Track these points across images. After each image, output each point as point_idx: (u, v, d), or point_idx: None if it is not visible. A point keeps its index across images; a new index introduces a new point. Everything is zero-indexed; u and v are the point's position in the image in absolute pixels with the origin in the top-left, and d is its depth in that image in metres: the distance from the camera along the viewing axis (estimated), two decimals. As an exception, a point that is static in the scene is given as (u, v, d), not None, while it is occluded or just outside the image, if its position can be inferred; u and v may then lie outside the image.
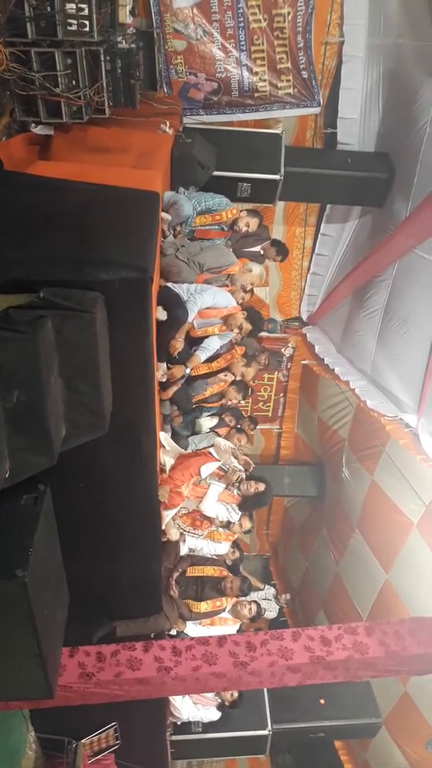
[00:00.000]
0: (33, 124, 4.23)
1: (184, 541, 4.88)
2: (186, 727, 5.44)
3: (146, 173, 4.02)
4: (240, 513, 4.97)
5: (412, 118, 5.09)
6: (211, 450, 4.90)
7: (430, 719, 5.72)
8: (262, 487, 5.06)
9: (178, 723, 5.40)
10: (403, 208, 5.44)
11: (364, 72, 5.56)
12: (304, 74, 5.68)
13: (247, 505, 5.05)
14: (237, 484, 4.87)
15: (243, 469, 5.11)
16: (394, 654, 3.60)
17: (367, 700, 5.91)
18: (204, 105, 5.81)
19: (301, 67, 5.65)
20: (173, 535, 4.62)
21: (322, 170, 5.77)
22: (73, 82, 3.95)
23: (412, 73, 5.03)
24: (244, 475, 4.96)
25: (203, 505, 4.71)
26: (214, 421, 5.41)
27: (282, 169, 5.56)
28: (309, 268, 7.09)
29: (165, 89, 5.58)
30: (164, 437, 4.47)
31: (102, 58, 3.96)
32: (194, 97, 5.74)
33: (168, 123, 4.90)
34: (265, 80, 5.71)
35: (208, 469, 4.57)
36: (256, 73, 5.67)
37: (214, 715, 5.32)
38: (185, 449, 4.85)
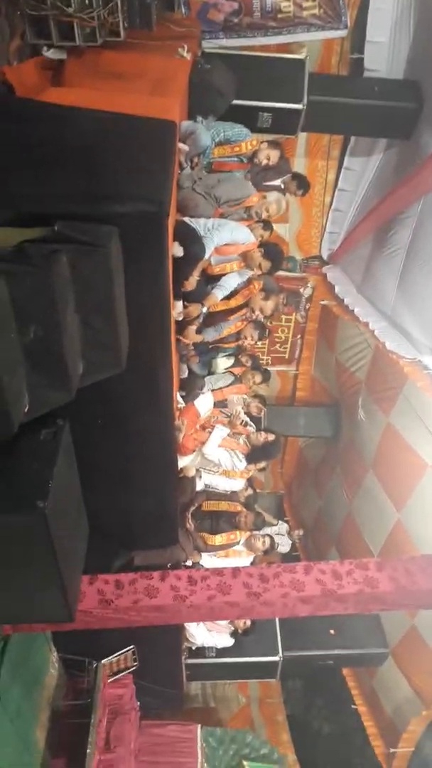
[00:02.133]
0: (45, 48, 4.05)
1: (200, 477, 4.97)
2: (200, 651, 5.72)
3: (163, 101, 3.85)
4: (246, 462, 5.06)
5: (445, 42, 4.78)
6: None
7: (436, 651, 5.94)
8: (271, 437, 5.10)
9: (193, 648, 5.66)
10: (431, 140, 5.19)
11: (397, -10, 5.19)
12: (331, -8, 5.32)
13: (255, 455, 5.12)
14: (243, 425, 4.94)
15: (249, 419, 5.19)
16: (403, 589, 3.68)
17: (376, 631, 6.14)
18: (224, 27, 5.50)
19: (328, -17, 5.29)
20: (190, 470, 4.70)
21: (348, 99, 5.48)
22: (87, 2, 3.75)
23: (448, -9, 4.69)
24: (247, 418, 5.01)
25: (206, 448, 4.79)
26: (231, 361, 5.39)
27: (305, 98, 5.29)
28: (331, 204, 6.85)
29: (183, 10, 5.26)
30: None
31: (116, -26, 3.74)
32: (213, 19, 5.42)
33: (186, 47, 4.65)
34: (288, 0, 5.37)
35: (202, 404, 4.58)
36: (280, -8, 5.32)
37: (228, 641, 5.57)
38: (202, 388, 4.86)
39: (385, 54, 5.50)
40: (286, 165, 5.16)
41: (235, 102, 5.05)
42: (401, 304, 5.97)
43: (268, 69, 5.38)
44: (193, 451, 4.80)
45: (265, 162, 4.72)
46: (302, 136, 6.10)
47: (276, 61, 5.48)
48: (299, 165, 6.43)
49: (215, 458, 4.94)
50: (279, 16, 5.44)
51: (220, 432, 4.93)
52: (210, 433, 4.91)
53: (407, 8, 5.19)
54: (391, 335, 6.05)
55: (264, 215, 4.51)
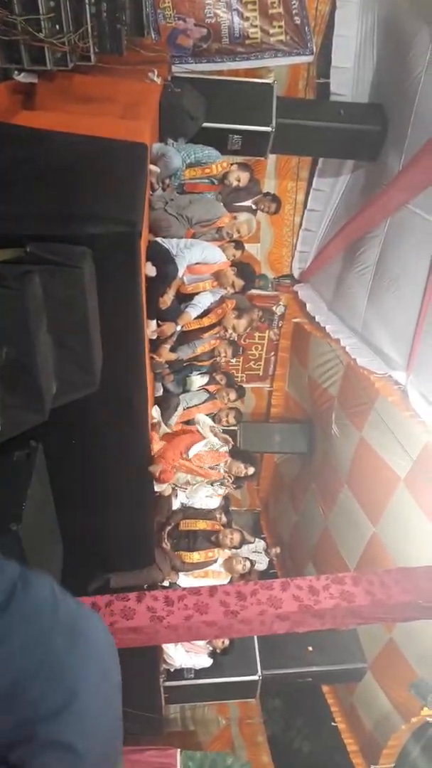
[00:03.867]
0: (16, 72, 4.08)
1: (176, 495, 4.96)
2: (179, 673, 5.65)
3: (134, 124, 3.91)
4: (224, 487, 5.11)
5: (406, 67, 4.95)
6: (199, 427, 4.95)
7: (414, 664, 5.96)
8: (251, 471, 5.14)
9: (171, 670, 5.59)
10: (396, 161, 5.35)
11: (359, 18, 5.37)
12: (297, 20, 5.49)
13: (234, 482, 5.17)
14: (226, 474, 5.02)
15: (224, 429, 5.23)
16: (379, 602, 3.70)
17: (354, 646, 6.14)
18: (193, 53, 5.61)
19: (294, 12, 5.45)
20: (166, 489, 4.69)
21: (315, 122, 5.63)
22: (57, 27, 3.79)
23: (407, 20, 4.87)
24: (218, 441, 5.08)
25: (194, 500, 4.89)
26: (205, 379, 5.42)
27: (274, 121, 5.42)
28: (301, 224, 6.99)
29: (153, 35, 5.36)
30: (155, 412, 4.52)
31: (86, 1, 3.79)
32: (183, 44, 5.53)
33: (156, 71, 4.74)
34: (256, 26, 5.51)
35: (195, 449, 4.60)
36: (247, 18, 5.47)
37: (206, 661, 5.52)
38: (177, 407, 4.87)
39: (350, 78, 5.67)
40: (257, 186, 5.26)
41: (206, 125, 5.14)
42: (371, 320, 6.09)
43: (237, 93, 5.50)
44: (171, 480, 4.81)
45: (235, 183, 4.81)
46: (272, 158, 6.22)
47: (245, 85, 5.61)
48: (269, 186, 6.55)
49: (199, 506, 5.01)
50: (247, 42, 5.57)
51: (204, 491, 5.01)
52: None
53: (370, 35, 5.37)
54: (361, 351, 6.15)
55: (235, 236, 4.58)
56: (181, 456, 4.42)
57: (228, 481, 5.14)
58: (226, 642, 5.32)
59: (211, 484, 5.10)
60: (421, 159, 4.96)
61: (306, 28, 5.53)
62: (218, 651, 5.38)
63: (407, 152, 5.16)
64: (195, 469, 4.79)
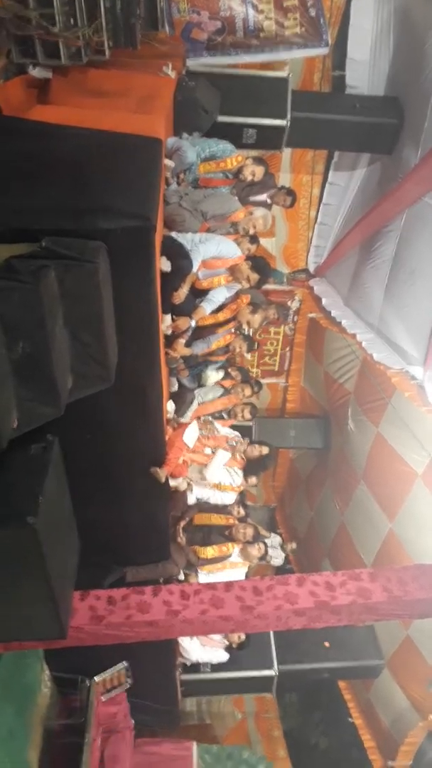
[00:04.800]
0: (31, 66, 4.10)
1: (192, 490, 4.97)
2: (195, 667, 5.67)
3: (148, 118, 3.91)
4: (242, 476, 5.09)
5: (423, 59, 4.89)
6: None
7: (431, 661, 5.92)
8: (266, 450, 5.14)
9: (188, 664, 5.61)
10: (412, 154, 5.28)
11: (375, 8, 5.31)
12: (312, 12, 5.42)
13: (251, 468, 5.15)
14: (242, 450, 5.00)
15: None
16: (396, 599, 3.68)
17: (370, 642, 6.12)
18: (207, 46, 5.56)
19: (309, 3, 5.38)
20: (181, 485, 4.70)
21: (330, 115, 5.58)
22: (71, 21, 3.80)
23: (423, 11, 4.80)
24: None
25: (208, 472, 4.82)
26: (221, 374, 5.42)
27: (289, 114, 5.39)
28: (316, 218, 6.94)
29: (167, 29, 5.34)
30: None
31: (100, -5, 3.80)
32: (197, 38, 5.50)
33: (170, 65, 4.74)
34: (271, 18, 5.46)
35: (189, 435, 4.58)
36: (262, 11, 5.41)
37: (222, 656, 5.52)
38: (192, 402, 4.87)
39: (365, 71, 5.61)
40: (272, 180, 5.23)
41: (220, 119, 5.12)
42: (387, 315, 6.03)
43: (252, 86, 5.47)
44: (186, 473, 4.81)
45: (250, 178, 4.79)
46: (287, 152, 6.18)
47: (259, 78, 5.57)
48: (284, 180, 6.51)
49: (216, 480, 4.98)
50: (261, 35, 5.52)
51: (222, 457, 4.97)
52: (212, 453, 4.94)
53: (386, 27, 5.31)
54: (378, 346, 6.10)
55: (251, 231, 4.56)
56: (181, 451, 4.40)
57: (239, 445, 5.12)
58: (242, 636, 5.32)
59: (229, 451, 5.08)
60: (438, 151, 4.90)
61: (321, 19, 5.46)
62: (234, 645, 5.39)
63: (424, 145, 5.09)
64: (203, 460, 4.80)
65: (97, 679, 4.92)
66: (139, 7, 4.21)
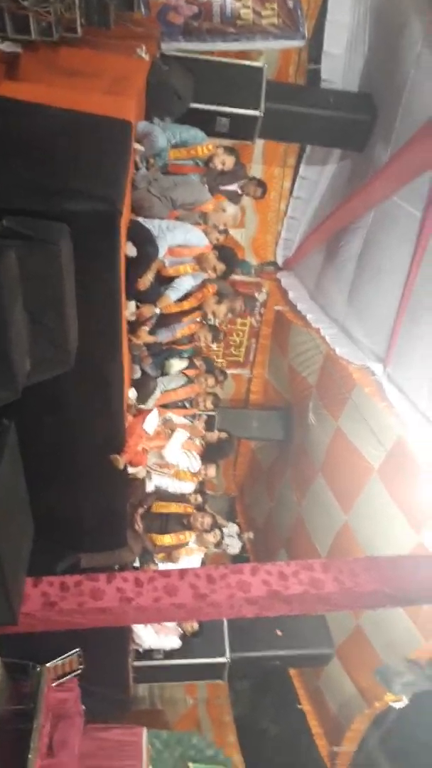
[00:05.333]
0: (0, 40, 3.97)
1: (150, 478, 4.97)
2: (148, 653, 5.70)
3: (119, 100, 3.83)
4: (200, 462, 5.11)
5: (397, 59, 4.92)
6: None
7: (380, 650, 6.09)
8: (224, 435, 5.16)
9: (141, 650, 5.63)
10: (383, 152, 5.33)
11: (352, 5, 5.30)
12: (290, 3, 5.40)
13: (209, 455, 5.17)
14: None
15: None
16: (347, 590, 3.76)
17: (321, 631, 6.24)
18: (183, 31, 5.49)
19: (287, -6, 5.37)
20: (140, 472, 4.69)
21: (304, 108, 5.57)
22: (43, -5, 3.70)
23: (399, 11, 4.82)
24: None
25: (166, 450, 4.80)
26: (184, 363, 5.41)
27: (262, 105, 5.35)
28: (286, 211, 6.95)
29: (143, 10, 5.23)
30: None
31: (74, -30, 3.70)
32: (173, 21, 5.42)
33: (144, 47, 4.64)
34: (248, 7, 5.41)
35: (150, 422, 4.57)
36: (240, -1, 5.37)
37: (176, 642, 5.57)
38: (154, 390, 4.85)
39: (341, 66, 5.62)
40: (242, 170, 5.21)
41: (194, 105, 5.07)
42: (351, 311, 6.11)
43: (226, 74, 5.42)
44: (145, 462, 4.78)
45: (220, 167, 4.77)
46: (259, 143, 6.16)
47: (235, 67, 5.52)
48: (256, 171, 6.49)
49: (174, 461, 4.96)
50: (238, 22, 5.48)
51: (181, 436, 4.96)
52: (169, 435, 4.93)
53: (362, 24, 5.32)
54: (341, 341, 6.17)
55: (221, 227, 4.55)
56: (141, 438, 4.38)
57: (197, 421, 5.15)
58: (195, 626, 5.37)
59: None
60: (408, 151, 4.95)
61: (299, 11, 5.45)
62: (188, 634, 5.43)
63: (395, 144, 5.14)
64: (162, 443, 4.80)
65: (48, 665, 4.90)
66: (113, -15, 4.12)
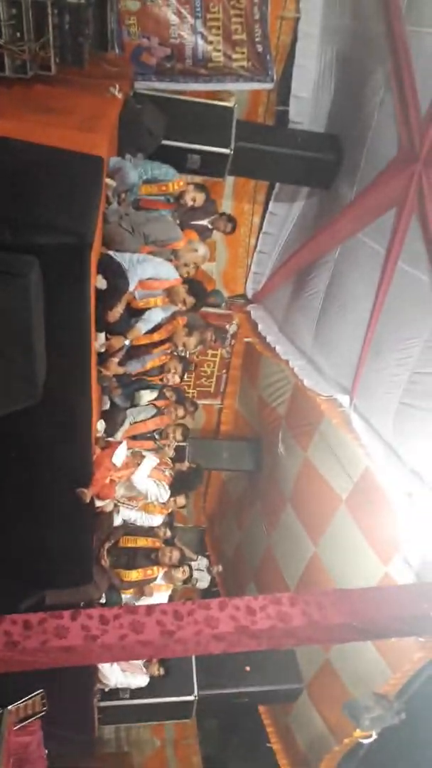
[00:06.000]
0: (-27, 75, 4.02)
1: (118, 512, 4.90)
2: (114, 693, 5.54)
3: (91, 136, 3.90)
4: (169, 493, 5.07)
5: (361, 103, 5.13)
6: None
7: (349, 685, 6.03)
8: (194, 465, 5.14)
9: (106, 689, 5.48)
10: (348, 191, 5.51)
11: (319, 51, 5.54)
12: (259, 48, 5.61)
13: (178, 486, 5.14)
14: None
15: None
16: (315, 623, 3.73)
17: (291, 666, 6.17)
18: (156, 71, 5.65)
19: (257, 40, 5.58)
20: (107, 505, 4.62)
21: (273, 148, 5.74)
22: (18, 34, 3.77)
23: (363, 57, 5.06)
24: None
25: (135, 476, 4.74)
26: (154, 393, 5.40)
27: (233, 143, 5.51)
28: (256, 246, 7.09)
29: (116, 50, 5.39)
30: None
31: (49, 11, 3.79)
32: (146, 62, 5.57)
33: (118, 86, 4.75)
34: (219, 50, 5.61)
35: (118, 455, 4.54)
36: (211, 42, 5.56)
37: (142, 681, 5.43)
38: (123, 421, 4.83)
39: (308, 108, 5.83)
40: (213, 206, 5.33)
41: (166, 143, 5.18)
42: (319, 344, 6.22)
43: (198, 113, 5.58)
44: (114, 494, 4.72)
45: (191, 203, 4.87)
46: (229, 180, 6.31)
47: (206, 106, 5.69)
48: (226, 206, 6.63)
49: (143, 488, 4.89)
50: (210, 65, 5.66)
51: (150, 462, 4.91)
52: (138, 464, 4.88)
53: (329, 69, 5.55)
54: (309, 373, 6.26)
55: (192, 268, 4.61)
56: (109, 471, 4.33)
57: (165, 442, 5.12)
58: (162, 671, 5.28)
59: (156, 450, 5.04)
60: (372, 191, 5.14)
61: (267, 56, 5.66)
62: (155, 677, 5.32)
63: (359, 183, 5.33)
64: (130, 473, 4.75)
65: (10, 707, 4.72)
66: (88, 26, 4.23)
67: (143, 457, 4.91)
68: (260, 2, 5.39)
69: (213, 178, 5.87)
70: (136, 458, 4.82)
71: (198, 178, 5.52)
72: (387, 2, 4.51)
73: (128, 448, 4.77)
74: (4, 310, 2.59)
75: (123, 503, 4.88)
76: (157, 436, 5.42)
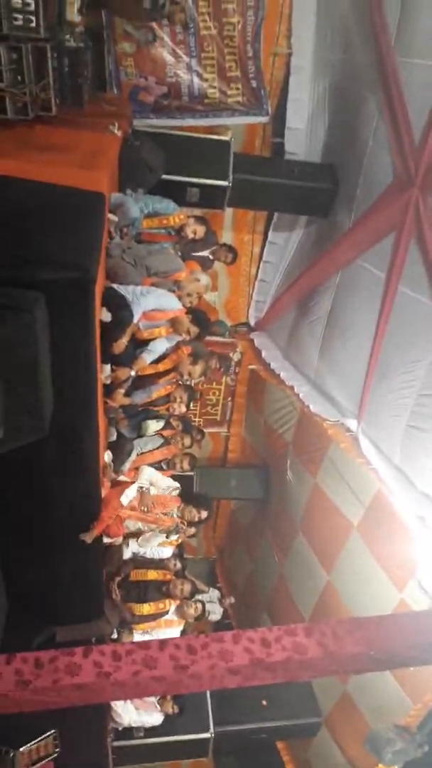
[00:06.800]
0: (-24, 119, 4.13)
1: (127, 545, 4.85)
2: (128, 732, 5.41)
3: (93, 174, 3.98)
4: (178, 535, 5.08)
5: (355, 132, 5.24)
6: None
7: (369, 717, 5.87)
8: (204, 514, 5.11)
9: (120, 729, 5.35)
10: (346, 219, 5.59)
11: (312, 84, 5.69)
12: (253, 83, 5.78)
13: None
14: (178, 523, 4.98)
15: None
16: (332, 654, 3.65)
17: (308, 699, 6.03)
18: (154, 108, 5.81)
19: (251, 76, 5.74)
20: (116, 539, 4.59)
21: (270, 179, 5.86)
22: (19, 78, 3.88)
23: (355, 88, 5.19)
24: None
25: (146, 551, 4.84)
26: (161, 423, 5.40)
27: (231, 176, 5.62)
28: (257, 275, 7.17)
29: (114, 90, 5.55)
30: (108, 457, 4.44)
31: (49, 55, 3.90)
32: (144, 100, 5.73)
33: (117, 124, 4.87)
34: (215, 87, 5.78)
35: (127, 495, 4.53)
36: (206, 80, 5.72)
37: (157, 719, 5.30)
38: (131, 452, 4.82)
39: (303, 139, 5.96)
40: (213, 237, 5.41)
41: (165, 177, 5.29)
42: (323, 369, 6.22)
43: (196, 148, 5.70)
44: (122, 533, 4.70)
45: (191, 235, 4.95)
46: (229, 211, 6.41)
47: (203, 140, 5.82)
48: (226, 238, 6.73)
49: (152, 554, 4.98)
50: (206, 101, 5.82)
51: (157, 538, 4.93)
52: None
53: (322, 100, 5.69)
54: (314, 399, 6.25)
55: (195, 298, 4.67)
56: (116, 510, 4.30)
57: (183, 527, 5.06)
58: (176, 709, 5.16)
59: (166, 535, 5.00)
60: (369, 218, 5.21)
61: (262, 90, 5.82)
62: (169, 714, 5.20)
63: (356, 210, 5.41)
64: (144, 517, 4.71)
65: (22, 749, 4.61)
66: (86, 68, 4.36)
67: (150, 498, 4.87)
68: (253, 40, 5.56)
69: (213, 210, 5.97)
70: (144, 500, 4.79)
71: (198, 211, 5.61)
72: (376, 35, 4.64)
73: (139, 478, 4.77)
74: (11, 345, 2.62)
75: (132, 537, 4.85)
76: (164, 466, 5.41)
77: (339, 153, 5.68)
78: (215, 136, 5.90)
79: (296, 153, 5.99)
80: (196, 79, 5.70)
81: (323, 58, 5.47)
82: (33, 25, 3.68)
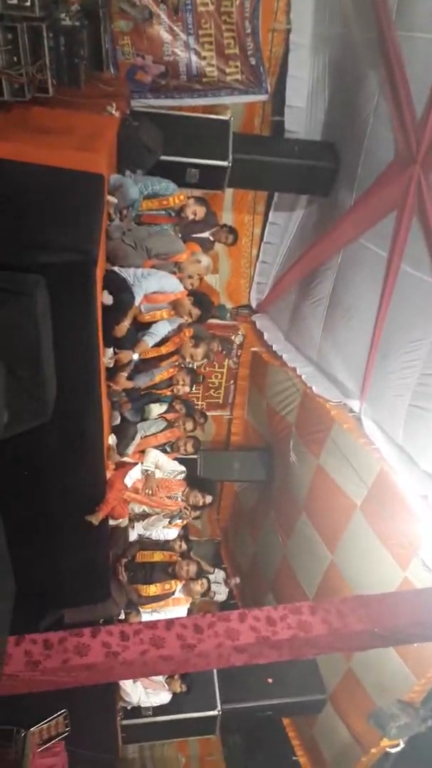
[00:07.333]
0: (-28, 101, 4.08)
1: (133, 527, 4.89)
2: (136, 711, 5.49)
3: (91, 155, 3.94)
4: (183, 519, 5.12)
5: (356, 109, 5.16)
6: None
7: (373, 694, 5.95)
8: (209, 499, 5.12)
9: (128, 707, 5.44)
10: (347, 197, 5.53)
11: (311, 61, 5.59)
12: (252, 60, 5.68)
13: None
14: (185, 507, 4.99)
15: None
16: (336, 631, 3.70)
17: (313, 676, 6.10)
18: (151, 88, 5.73)
19: (249, 53, 5.64)
20: (121, 521, 4.62)
21: (270, 158, 5.79)
22: (15, 59, 3.82)
23: (356, 64, 5.10)
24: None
25: (152, 533, 4.89)
26: (164, 407, 5.41)
27: (230, 156, 5.55)
28: (258, 256, 7.12)
29: (111, 70, 5.47)
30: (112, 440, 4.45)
31: (44, 34, 3.84)
32: (141, 80, 5.65)
33: (114, 105, 4.81)
34: (213, 65, 5.68)
35: (131, 476, 4.53)
36: (204, 58, 5.63)
37: (165, 698, 5.39)
38: (135, 436, 4.83)
39: (303, 117, 5.88)
40: (213, 218, 5.36)
41: (165, 158, 5.23)
42: (326, 350, 6.21)
43: (195, 128, 5.63)
44: (126, 514, 4.72)
45: (191, 216, 4.91)
46: (229, 192, 6.35)
47: (202, 120, 5.74)
48: (227, 218, 6.67)
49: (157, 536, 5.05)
50: (204, 79, 5.73)
51: (161, 523, 4.96)
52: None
53: (322, 77, 5.60)
54: (317, 380, 6.25)
55: (196, 279, 4.64)
56: (121, 491, 4.32)
57: (187, 512, 5.09)
58: (184, 687, 5.23)
59: (170, 519, 5.03)
60: (370, 196, 5.16)
61: (261, 68, 5.73)
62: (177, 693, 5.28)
63: (358, 189, 5.35)
64: (148, 501, 4.73)
65: (33, 729, 4.70)
66: (83, 48, 4.29)
67: (155, 481, 4.89)
68: (251, 16, 5.46)
69: (212, 190, 5.91)
70: (149, 483, 4.80)
71: (198, 192, 5.55)
72: (377, 8, 4.55)
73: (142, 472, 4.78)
74: (13, 329, 2.61)
75: (137, 519, 4.88)
76: (168, 449, 5.43)
77: (340, 130, 5.60)
78: (214, 116, 5.83)
79: (296, 131, 5.92)
80: (194, 58, 5.61)
81: (323, 34, 5.37)
82: (28, 3, 3.61)
